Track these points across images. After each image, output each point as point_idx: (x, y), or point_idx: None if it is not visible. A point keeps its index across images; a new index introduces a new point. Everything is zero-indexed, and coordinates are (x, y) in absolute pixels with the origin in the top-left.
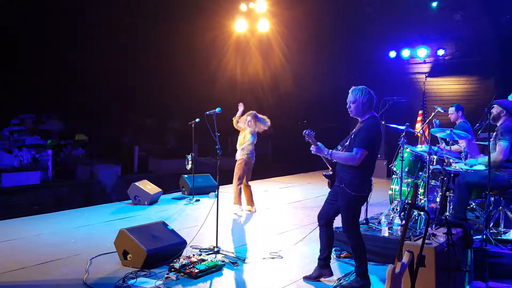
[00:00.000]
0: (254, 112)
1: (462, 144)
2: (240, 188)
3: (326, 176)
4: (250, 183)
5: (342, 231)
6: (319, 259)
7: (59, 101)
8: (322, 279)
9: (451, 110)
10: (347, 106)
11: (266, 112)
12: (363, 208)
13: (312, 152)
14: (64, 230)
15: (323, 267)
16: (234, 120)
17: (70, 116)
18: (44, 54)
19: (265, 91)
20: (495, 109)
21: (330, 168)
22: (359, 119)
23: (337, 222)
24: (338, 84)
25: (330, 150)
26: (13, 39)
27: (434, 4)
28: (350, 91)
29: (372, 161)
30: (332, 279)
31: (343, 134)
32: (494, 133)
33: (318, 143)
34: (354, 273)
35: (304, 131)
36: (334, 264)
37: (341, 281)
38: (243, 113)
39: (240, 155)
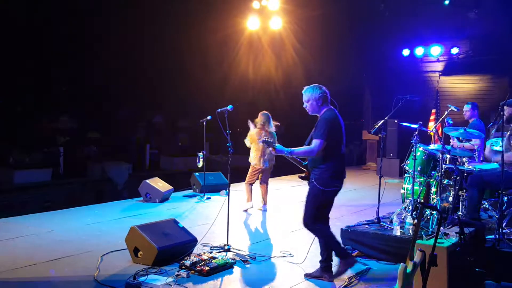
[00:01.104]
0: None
1: (476, 142)
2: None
3: (301, 178)
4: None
5: (303, 224)
6: (319, 261)
7: (72, 99)
8: (323, 279)
9: (467, 107)
10: (304, 106)
11: (278, 110)
12: (374, 208)
13: (273, 153)
14: (75, 227)
15: (324, 269)
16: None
17: (83, 114)
18: (57, 53)
19: (278, 89)
20: (507, 111)
21: (305, 170)
22: (318, 115)
23: (348, 220)
24: (351, 82)
25: (290, 149)
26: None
27: (447, 1)
28: (303, 92)
29: (336, 152)
30: (343, 278)
31: (356, 131)
32: (508, 133)
33: (277, 144)
34: (365, 272)
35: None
36: None
37: (352, 280)
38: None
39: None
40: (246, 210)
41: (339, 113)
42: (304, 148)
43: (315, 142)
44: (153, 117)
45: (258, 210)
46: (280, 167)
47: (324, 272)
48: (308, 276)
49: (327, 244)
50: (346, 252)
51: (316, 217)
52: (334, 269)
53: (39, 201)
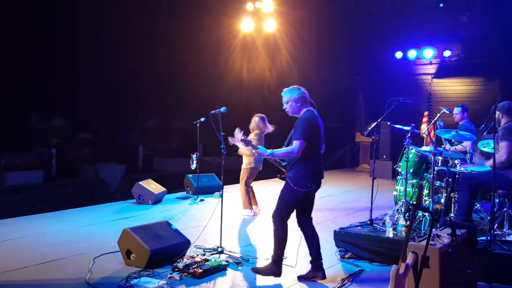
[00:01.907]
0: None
1: (466, 144)
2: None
3: (281, 178)
4: (257, 182)
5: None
6: (310, 261)
7: (64, 100)
8: (317, 280)
9: (457, 110)
10: (283, 108)
11: (272, 112)
12: (367, 209)
13: (255, 155)
14: (67, 229)
15: (315, 269)
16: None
17: (75, 115)
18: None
19: (271, 91)
20: (496, 114)
21: (284, 170)
22: (298, 116)
23: (341, 222)
24: (344, 85)
25: (271, 150)
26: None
27: (441, 4)
28: (282, 93)
29: (313, 152)
30: (337, 279)
31: (349, 134)
32: (497, 134)
33: (259, 146)
34: (358, 274)
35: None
36: (338, 264)
37: (345, 282)
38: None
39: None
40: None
41: (318, 114)
42: (285, 149)
43: (295, 143)
44: (146, 118)
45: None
46: (273, 168)
47: (316, 271)
48: (301, 278)
49: (275, 238)
50: (281, 261)
51: (282, 213)
52: (261, 265)
53: (31, 203)
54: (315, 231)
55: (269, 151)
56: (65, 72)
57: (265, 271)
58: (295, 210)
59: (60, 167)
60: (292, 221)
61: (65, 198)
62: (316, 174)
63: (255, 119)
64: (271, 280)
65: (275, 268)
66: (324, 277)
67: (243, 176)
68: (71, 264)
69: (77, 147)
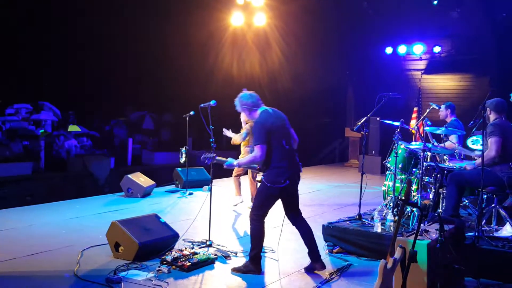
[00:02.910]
0: None
1: (453, 140)
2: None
3: (258, 181)
4: (246, 177)
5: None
6: (307, 253)
7: (53, 91)
8: (316, 271)
9: (442, 108)
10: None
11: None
12: (355, 204)
13: (224, 167)
14: (55, 222)
15: (314, 261)
16: (239, 138)
17: (64, 107)
18: (39, 46)
19: (262, 86)
20: (487, 111)
21: (259, 172)
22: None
23: (329, 217)
24: (334, 80)
25: (236, 161)
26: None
27: (435, 1)
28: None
29: (279, 150)
30: (324, 274)
31: (339, 129)
32: (485, 131)
33: (227, 159)
34: (346, 268)
35: (205, 157)
36: (326, 259)
37: (333, 276)
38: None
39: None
40: (236, 205)
41: (275, 110)
42: (248, 157)
43: (255, 148)
44: (135, 111)
45: (242, 206)
46: None
47: (314, 262)
48: (305, 269)
49: (252, 236)
50: (258, 258)
51: (258, 210)
52: (239, 263)
53: (19, 195)
54: (306, 224)
55: (235, 162)
56: (55, 64)
57: (243, 270)
58: (282, 207)
59: (48, 159)
60: (273, 218)
61: (53, 191)
62: (287, 170)
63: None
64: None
65: (252, 265)
66: (322, 267)
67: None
68: (59, 256)
69: (66, 140)
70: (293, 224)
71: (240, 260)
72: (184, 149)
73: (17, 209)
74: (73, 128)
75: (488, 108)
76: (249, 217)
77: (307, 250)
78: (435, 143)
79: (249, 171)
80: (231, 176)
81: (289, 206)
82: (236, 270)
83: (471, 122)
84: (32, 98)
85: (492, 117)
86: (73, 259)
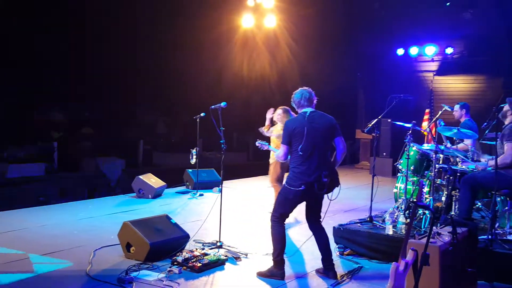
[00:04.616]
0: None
1: (467, 142)
2: None
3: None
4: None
5: None
6: (321, 260)
7: (65, 94)
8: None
9: (456, 107)
10: None
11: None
12: (366, 207)
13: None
14: (68, 222)
15: (327, 268)
16: (265, 129)
17: (77, 109)
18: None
19: (272, 87)
20: (506, 107)
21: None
22: None
23: (340, 219)
24: (345, 81)
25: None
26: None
27: (448, 3)
28: None
29: (302, 154)
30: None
31: (349, 130)
32: (501, 133)
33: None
34: (357, 271)
35: (260, 143)
36: (337, 261)
37: (344, 278)
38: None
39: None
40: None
41: (313, 115)
42: (276, 152)
43: (280, 147)
44: (147, 113)
45: (254, 209)
46: None
47: (326, 270)
48: (316, 271)
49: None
50: (281, 261)
51: (276, 212)
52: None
53: (32, 195)
54: (324, 231)
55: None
56: (68, 67)
57: (267, 275)
58: (306, 209)
59: (61, 160)
60: (297, 215)
61: (65, 191)
62: (305, 175)
63: (279, 112)
64: None
65: (276, 269)
66: (335, 276)
67: (272, 172)
68: (71, 256)
69: (79, 141)
70: (310, 229)
71: (250, 262)
72: (194, 150)
73: (30, 209)
74: (86, 130)
75: (507, 107)
76: (270, 218)
77: (318, 252)
78: (448, 145)
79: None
80: (241, 178)
81: (308, 210)
82: (260, 274)
83: (484, 123)
84: (48, 99)
85: (510, 117)
86: (85, 259)
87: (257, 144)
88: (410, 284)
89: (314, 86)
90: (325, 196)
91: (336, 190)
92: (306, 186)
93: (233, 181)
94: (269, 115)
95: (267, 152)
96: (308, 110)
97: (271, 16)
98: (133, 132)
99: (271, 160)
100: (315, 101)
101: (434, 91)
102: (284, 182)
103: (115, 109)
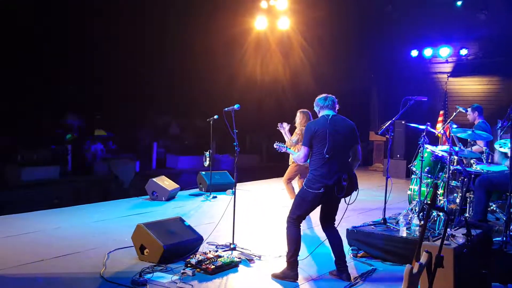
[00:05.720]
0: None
1: (481, 144)
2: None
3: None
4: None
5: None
6: (334, 262)
7: (79, 96)
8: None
9: (468, 110)
10: None
11: (286, 110)
12: (380, 208)
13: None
14: (82, 224)
15: (340, 271)
16: (292, 148)
17: (90, 112)
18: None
19: (285, 90)
20: None
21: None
22: None
23: (353, 221)
24: (358, 83)
25: (295, 154)
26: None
27: (459, 2)
28: None
29: (320, 157)
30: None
31: (363, 132)
32: None
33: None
34: (370, 273)
35: (278, 145)
36: (350, 263)
37: (357, 281)
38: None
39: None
40: None
41: (335, 119)
42: (296, 153)
43: (301, 148)
44: (160, 116)
45: (267, 210)
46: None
47: (339, 273)
48: (330, 273)
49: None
50: (294, 263)
51: (293, 214)
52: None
53: (46, 198)
54: (338, 234)
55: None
56: (82, 71)
57: (280, 276)
58: (321, 211)
59: (75, 163)
60: (312, 217)
61: (79, 194)
62: (323, 178)
63: (299, 115)
64: None
65: (289, 271)
66: (348, 278)
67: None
68: (85, 258)
69: (92, 144)
70: (323, 231)
71: (263, 264)
72: (208, 152)
73: (44, 211)
74: (99, 132)
75: None
76: (286, 220)
77: (331, 254)
78: (462, 147)
79: (298, 176)
80: (254, 180)
81: (324, 213)
82: (275, 276)
83: (499, 124)
84: (58, 103)
85: None
86: (99, 261)
87: (275, 146)
88: (424, 286)
89: (327, 88)
90: (342, 199)
91: (353, 194)
92: (326, 189)
93: (246, 183)
94: (284, 129)
95: (281, 155)
96: (331, 113)
97: (284, 18)
98: (147, 135)
99: (290, 162)
100: (337, 108)
101: (448, 92)
102: (303, 183)
103: (128, 112)
